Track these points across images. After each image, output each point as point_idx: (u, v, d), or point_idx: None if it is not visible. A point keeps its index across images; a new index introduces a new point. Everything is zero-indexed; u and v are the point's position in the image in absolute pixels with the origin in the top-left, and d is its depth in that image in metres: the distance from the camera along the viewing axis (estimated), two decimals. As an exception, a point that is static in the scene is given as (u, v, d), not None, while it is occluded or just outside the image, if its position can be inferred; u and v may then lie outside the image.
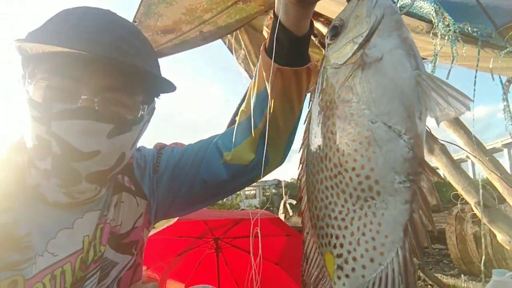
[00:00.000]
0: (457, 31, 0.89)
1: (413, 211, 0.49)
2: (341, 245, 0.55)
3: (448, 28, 0.88)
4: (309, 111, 0.64)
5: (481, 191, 1.26)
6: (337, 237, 0.55)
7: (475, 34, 0.93)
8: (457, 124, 1.61)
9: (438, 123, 0.50)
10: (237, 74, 3.05)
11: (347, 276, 0.54)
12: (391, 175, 0.49)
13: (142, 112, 0.83)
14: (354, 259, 0.53)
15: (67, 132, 0.72)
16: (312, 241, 0.61)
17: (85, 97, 0.72)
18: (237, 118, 0.98)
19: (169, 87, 0.85)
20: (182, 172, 0.98)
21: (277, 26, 0.75)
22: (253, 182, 1.02)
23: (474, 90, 0.97)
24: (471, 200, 1.41)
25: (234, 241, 2.81)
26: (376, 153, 0.50)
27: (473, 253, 4.32)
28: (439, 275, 4.12)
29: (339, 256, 0.55)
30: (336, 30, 0.57)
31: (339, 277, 0.55)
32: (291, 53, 0.78)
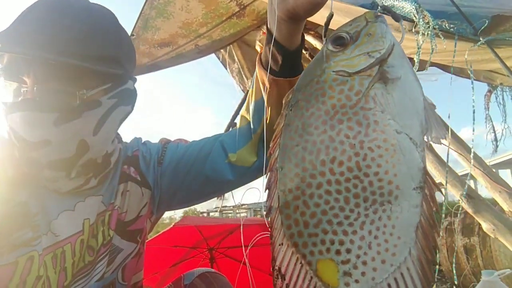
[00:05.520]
0: (436, 27, 1.00)
1: (421, 214, 0.55)
2: (348, 251, 0.54)
3: (428, 25, 0.98)
4: (286, 114, 0.63)
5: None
6: (341, 243, 0.54)
7: (451, 29, 1.04)
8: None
9: (438, 142, 0.58)
10: (231, 88, 3.13)
11: (356, 281, 0.54)
12: (409, 182, 0.55)
13: (91, 97, 0.81)
14: (364, 263, 0.54)
15: (16, 124, 0.76)
16: (290, 252, 0.58)
17: (25, 89, 0.76)
18: (238, 123, 1.01)
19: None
20: (186, 166, 1.00)
21: (271, 43, 0.78)
22: (253, 180, 1.04)
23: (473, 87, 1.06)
24: (457, 192, 1.48)
25: (228, 251, 2.81)
26: (400, 160, 0.54)
27: (464, 265, 4.35)
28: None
29: (345, 262, 0.54)
30: (343, 41, 0.61)
31: (347, 284, 0.54)
32: (284, 65, 0.81)
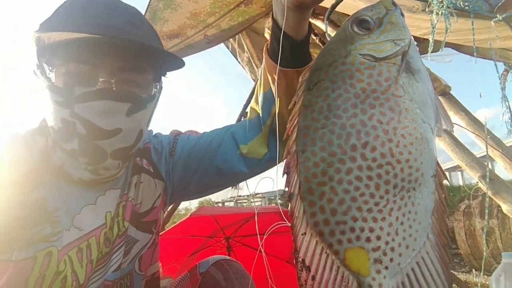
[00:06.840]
0: (450, 6, 0.97)
1: (435, 200, 0.56)
2: (378, 238, 0.53)
3: (442, 4, 0.96)
4: (304, 94, 0.61)
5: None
6: (371, 230, 0.53)
7: (466, 8, 1.01)
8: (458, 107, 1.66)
9: (439, 134, 0.60)
10: (241, 78, 3.12)
11: (386, 268, 0.53)
12: (429, 170, 0.56)
13: (154, 90, 0.88)
14: (392, 249, 0.53)
15: (90, 112, 0.77)
16: (314, 242, 0.55)
17: (102, 79, 0.77)
18: (248, 115, 1.02)
19: (177, 64, 0.89)
20: (197, 157, 1.01)
21: (278, 34, 0.78)
22: (265, 171, 1.05)
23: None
24: (475, 174, 1.46)
25: (244, 240, 2.84)
26: (425, 149, 0.55)
27: (482, 248, 4.31)
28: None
29: (376, 249, 0.53)
30: (368, 25, 0.61)
31: (378, 271, 0.53)
32: (292, 55, 0.81)
